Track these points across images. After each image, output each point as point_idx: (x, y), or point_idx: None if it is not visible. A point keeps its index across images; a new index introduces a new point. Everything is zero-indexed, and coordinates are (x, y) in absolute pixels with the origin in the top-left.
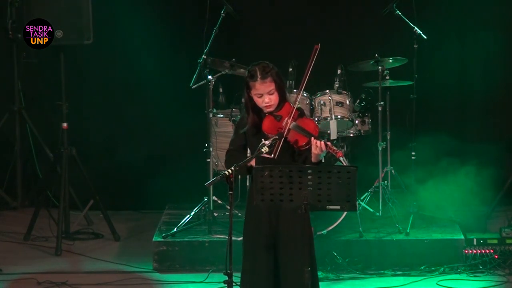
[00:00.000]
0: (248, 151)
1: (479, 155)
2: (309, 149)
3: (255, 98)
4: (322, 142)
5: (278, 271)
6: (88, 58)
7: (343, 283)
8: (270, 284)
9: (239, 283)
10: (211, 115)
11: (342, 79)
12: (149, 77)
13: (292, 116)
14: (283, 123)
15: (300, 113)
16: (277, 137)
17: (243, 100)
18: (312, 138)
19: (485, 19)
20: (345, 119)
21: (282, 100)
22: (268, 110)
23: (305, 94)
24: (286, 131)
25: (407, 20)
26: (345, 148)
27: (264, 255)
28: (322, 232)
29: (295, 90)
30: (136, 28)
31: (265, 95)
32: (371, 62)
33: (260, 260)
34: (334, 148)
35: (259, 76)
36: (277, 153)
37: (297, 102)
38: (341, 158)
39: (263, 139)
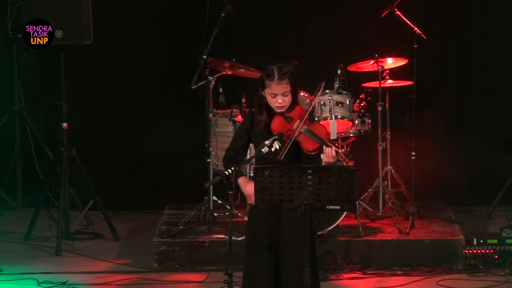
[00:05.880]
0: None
1: (479, 155)
2: (317, 154)
3: (268, 98)
4: (333, 150)
5: (279, 271)
6: (88, 58)
7: (343, 283)
8: (271, 284)
9: (239, 283)
10: (211, 115)
11: (342, 79)
12: (149, 77)
13: (304, 119)
14: (293, 125)
15: (311, 117)
16: (277, 137)
17: (243, 100)
18: (325, 146)
19: (485, 18)
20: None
21: (294, 102)
22: (280, 110)
23: (306, 94)
24: (297, 133)
25: (407, 20)
26: (345, 148)
27: (266, 254)
28: (322, 232)
29: None
30: (136, 28)
31: (279, 96)
32: (371, 62)
33: (261, 259)
34: (345, 156)
35: (276, 76)
36: (283, 154)
37: (312, 106)
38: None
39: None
